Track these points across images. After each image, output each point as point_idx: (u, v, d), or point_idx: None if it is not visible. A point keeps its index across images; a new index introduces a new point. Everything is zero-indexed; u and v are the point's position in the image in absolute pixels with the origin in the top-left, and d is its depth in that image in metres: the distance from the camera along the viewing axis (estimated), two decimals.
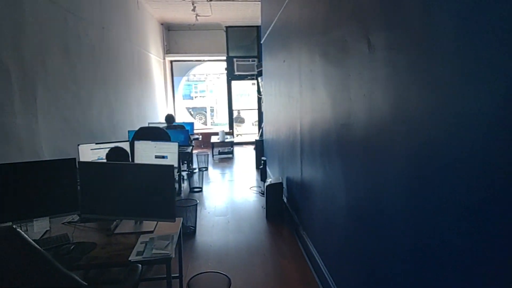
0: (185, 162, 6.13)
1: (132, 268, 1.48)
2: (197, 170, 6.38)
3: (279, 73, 4.31)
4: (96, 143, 3.35)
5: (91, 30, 4.19)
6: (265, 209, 4.01)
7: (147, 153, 3.45)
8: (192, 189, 5.08)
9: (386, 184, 1.43)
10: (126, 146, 3.48)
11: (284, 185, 3.99)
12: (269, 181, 4.06)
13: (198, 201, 3.59)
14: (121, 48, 5.40)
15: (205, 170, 6.51)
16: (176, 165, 3.44)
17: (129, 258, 1.60)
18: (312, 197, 2.75)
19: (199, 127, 10.01)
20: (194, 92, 14.03)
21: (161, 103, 8.60)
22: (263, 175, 4.78)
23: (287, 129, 3.77)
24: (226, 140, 7.80)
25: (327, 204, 2.33)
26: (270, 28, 4.87)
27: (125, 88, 5.55)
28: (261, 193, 4.83)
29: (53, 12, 3.29)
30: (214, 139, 8.00)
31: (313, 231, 2.80)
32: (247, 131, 13.05)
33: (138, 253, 1.64)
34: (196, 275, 2.26)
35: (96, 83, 4.32)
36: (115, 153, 2.48)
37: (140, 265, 1.51)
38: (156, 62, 8.08)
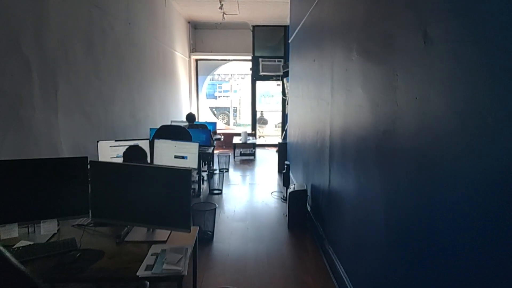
0: (206, 162, 6.00)
1: (139, 285, 1.30)
2: (217, 171, 6.24)
3: (307, 74, 4.07)
4: (116, 140, 3.25)
5: (116, 25, 4.12)
6: (287, 217, 3.77)
7: (166, 152, 3.31)
8: (211, 191, 4.93)
9: (446, 209, 1.17)
10: (146, 144, 3.37)
11: (309, 193, 3.74)
12: (292, 187, 3.82)
13: (217, 205, 3.41)
14: (147, 45, 5.34)
15: (226, 171, 6.35)
16: (195, 166, 3.28)
17: (137, 273, 1.42)
18: (342, 209, 2.49)
19: (221, 127, 9.91)
20: (218, 92, 14.00)
21: (185, 101, 8.55)
22: (285, 180, 4.55)
23: (314, 133, 3.52)
24: (248, 142, 7.62)
25: (359, 219, 2.08)
26: (299, 27, 4.63)
27: (149, 85, 5.48)
28: (283, 199, 4.60)
29: (78, 5, 3.22)
30: (236, 140, 7.84)
31: (340, 247, 2.54)
32: (270, 133, 12.87)
33: (148, 267, 1.47)
34: None
35: (120, 78, 4.25)
36: (132, 152, 2.33)
37: (147, 283, 1.34)
38: (181, 61, 8.03)
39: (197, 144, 3.30)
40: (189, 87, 8.86)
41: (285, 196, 4.61)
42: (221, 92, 14.55)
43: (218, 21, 8.57)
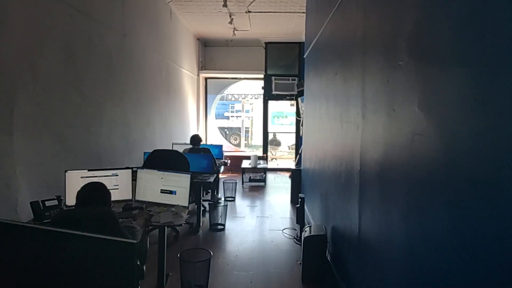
0: (208, 191, 5.35)
1: None
2: (222, 201, 5.55)
3: (326, 91, 3.42)
4: (89, 170, 2.63)
5: (108, 35, 3.62)
6: (301, 266, 3.02)
7: (151, 185, 2.67)
8: (213, 226, 4.23)
9: None
10: (132, 174, 2.74)
11: (329, 238, 3.00)
12: (307, 230, 3.09)
13: (212, 254, 2.71)
14: (146, 60, 4.84)
15: (232, 200, 5.66)
16: (185, 203, 2.62)
17: None
18: (381, 265, 1.76)
19: (230, 149, 9.29)
20: (230, 112, 13.51)
21: (192, 122, 8.02)
22: (299, 217, 3.83)
23: (336, 163, 2.82)
24: (259, 166, 6.94)
25: (414, 284, 1.34)
26: (316, 38, 4.04)
27: (148, 103, 4.95)
28: (297, 240, 3.85)
29: (53, 7, 2.71)
30: (245, 163, 7.18)
31: None
32: (283, 155, 12.18)
33: None
34: None
35: (110, 95, 3.71)
36: (88, 193, 1.70)
37: None
38: (189, 78, 7.57)
39: (189, 175, 2.64)
40: (197, 106, 8.36)
41: (298, 235, 3.87)
42: (233, 112, 14.07)
43: (228, 38, 8.14)
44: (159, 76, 5.47)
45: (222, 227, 4.23)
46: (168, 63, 5.91)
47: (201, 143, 5.08)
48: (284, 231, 4.20)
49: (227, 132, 19.31)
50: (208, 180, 4.10)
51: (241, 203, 5.60)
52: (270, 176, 7.88)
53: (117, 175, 2.69)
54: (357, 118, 2.17)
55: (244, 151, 9.82)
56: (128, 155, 4.18)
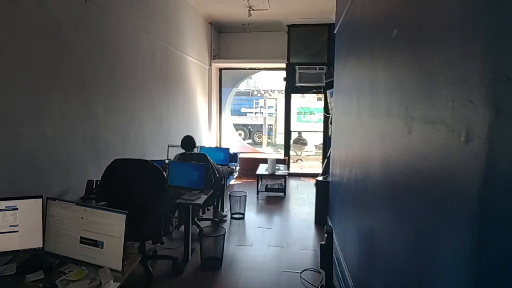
0: (206, 209, 4.27)
1: None
2: (228, 218, 4.43)
3: (373, 71, 2.15)
4: None
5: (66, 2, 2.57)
6: None
7: (67, 229, 1.57)
8: (205, 261, 3.09)
9: None
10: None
11: None
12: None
13: None
14: (129, 40, 3.78)
15: (240, 218, 4.51)
16: (118, 267, 1.49)
17: None
18: None
19: (247, 150, 8.13)
20: (254, 107, 12.32)
21: (203, 119, 6.95)
22: (325, 260, 2.61)
23: (389, 181, 1.57)
24: (278, 173, 5.73)
25: None
26: (350, 3, 2.76)
27: (132, 96, 3.90)
28: None
29: None
30: (261, 169, 6.01)
31: None
32: (310, 155, 10.88)
33: None
34: None
35: (59, 82, 2.67)
36: None
37: None
38: (198, 68, 6.48)
39: (124, 216, 1.50)
40: (208, 101, 7.27)
41: (323, 283, 2.65)
42: (254, 107, 12.90)
43: (245, 21, 6.96)
44: (151, 62, 4.40)
45: (218, 262, 3.08)
46: (165, 48, 4.84)
47: (215, 146, 3.97)
48: (304, 274, 2.98)
49: (251, 129, 18.24)
50: (196, 201, 2.95)
51: (251, 223, 4.42)
52: (292, 183, 6.65)
53: (16, 209, 1.62)
54: (457, 118, 0.91)
55: (264, 152, 8.62)
56: (95, 163, 3.14)
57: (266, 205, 5.23)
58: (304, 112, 8.58)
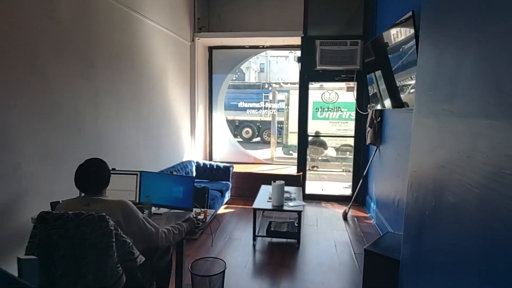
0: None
1: None
2: None
3: None
4: None
5: None
6: None
7: None
8: None
9: None
10: None
11: None
12: None
13: None
14: None
15: None
16: None
17: None
18: None
19: (248, 160, 5.94)
20: (257, 101, 10.09)
21: (182, 118, 4.85)
22: None
23: None
24: (288, 207, 3.57)
25: None
26: None
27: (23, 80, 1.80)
28: None
29: None
30: (263, 194, 3.88)
31: None
32: (330, 161, 8.71)
33: None
34: None
35: None
36: None
37: None
38: (171, 44, 4.36)
39: None
40: (191, 92, 5.14)
41: None
42: (265, 101, 10.68)
43: None
44: (46, 17, 2.30)
45: None
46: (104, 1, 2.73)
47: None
48: None
49: (260, 126, 16.09)
50: None
51: None
52: (309, 214, 4.48)
53: None
54: None
55: (269, 162, 6.43)
56: None
57: (267, 265, 3.10)
58: (328, 107, 6.30)
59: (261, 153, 11.72)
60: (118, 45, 3.14)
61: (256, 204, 3.62)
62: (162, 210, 2.44)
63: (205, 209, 2.36)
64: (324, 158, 9.14)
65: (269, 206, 3.60)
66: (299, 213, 3.47)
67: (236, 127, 15.16)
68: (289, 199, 3.77)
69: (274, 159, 9.50)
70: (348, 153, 9.51)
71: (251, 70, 24.16)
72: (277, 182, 3.57)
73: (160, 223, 2.20)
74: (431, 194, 1.39)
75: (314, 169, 9.27)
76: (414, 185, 1.62)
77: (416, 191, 1.57)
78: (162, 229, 1.89)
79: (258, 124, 15.15)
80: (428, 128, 1.48)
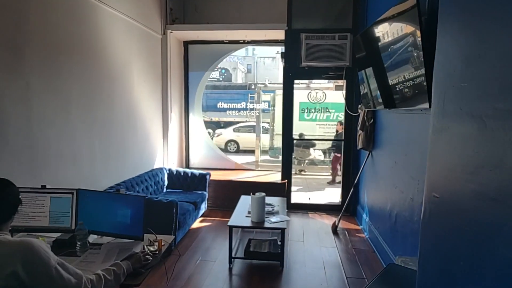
0: None
1: None
2: None
3: None
4: None
5: None
6: None
7: None
8: None
9: None
10: None
11: None
12: None
13: None
14: None
15: None
16: None
17: None
18: None
19: (229, 166, 5.42)
20: (237, 101, 9.56)
21: (153, 121, 4.31)
22: None
23: None
24: (270, 223, 3.07)
25: None
26: None
27: None
28: None
29: None
30: (242, 206, 3.37)
31: None
32: (316, 164, 8.30)
33: None
34: None
35: None
36: None
37: None
38: (139, 36, 3.81)
39: None
40: (163, 90, 4.60)
41: None
42: (251, 102, 10.26)
43: None
44: None
45: None
46: None
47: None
48: None
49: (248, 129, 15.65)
50: None
51: None
52: (294, 227, 4.00)
53: None
54: None
55: (251, 168, 5.91)
56: None
57: None
58: (315, 108, 5.84)
59: (246, 157, 11.21)
60: (63, 32, 2.59)
61: (233, 221, 3.11)
62: (106, 239, 1.91)
63: (160, 239, 1.84)
64: (310, 160, 8.70)
65: (247, 222, 3.10)
66: (283, 231, 2.98)
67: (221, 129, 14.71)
68: (271, 213, 3.28)
69: (260, 162, 9.02)
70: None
71: (238, 71, 23.65)
72: (257, 194, 3.08)
73: (96, 259, 1.67)
74: (472, 237, 0.92)
75: (301, 173, 8.83)
76: (435, 216, 1.15)
77: (441, 226, 1.11)
78: (90, 275, 1.36)
79: (243, 126, 14.70)
80: (460, 136, 1.01)
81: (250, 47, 31.49)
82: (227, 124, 15.07)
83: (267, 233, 3.62)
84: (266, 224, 3.03)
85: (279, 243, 3.11)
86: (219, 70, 20.65)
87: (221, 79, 21.18)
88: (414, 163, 2.47)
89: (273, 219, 3.12)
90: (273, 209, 3.37)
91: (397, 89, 2.49)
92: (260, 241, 3.21)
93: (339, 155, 6.68)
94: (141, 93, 3.96)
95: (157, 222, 2.79)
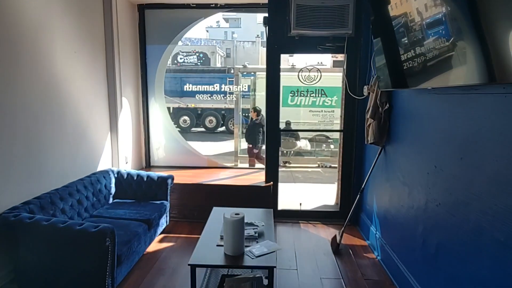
0: None
1: None
2: None
3: None
4: None
5: None
6: None
7: None
8: None
9: None
10: None
11: None
12: None
13: None
14: None
15: None
16: None
17: None
18: None
19: (201, 163, 4.37)
20: (213, 84, 8.36)
21: (93, 108, 3.21)
22: None
23: None
24: (250, 258, 2.10)
25: None
26: None
27: None
28: None
29: None
30: (208, 242, 2.38)
31: None
32: (302, 155, 7.43)
33: None
34: None
35: None
36: None
37: None
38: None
39: None
40: (108, 69, 3.47)
41: None
42: (230, 86, 9.07)
43: None
44: None
45: None
46: None
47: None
48: None
49: (225, 114, 14.78)
50: None
51: None
52: (284, 239, 3.07)
53: None
54: None
55: (228, 166, 4.89)
56: None
57: None
58: (307, 91, 4.83)
59: (226, 145, 10.20)
60: None
61: (198, 253, 2.12)
62: None
63: None
64: (296, 151, 7.79)
65: (219, 256, 2.12)
66: (271, 270, 2.02)
67: (198, 116, 13.59)
68: (253, 238, 2.32)
69: (239, 153, 8.01)
70: (324, 145, 8.24)
71: (216, 55, 22.35)
72: (232, 216, 2.09)
73: None
74: None
75: (287, 165, 7.92)
76: None
77: None
78: None
79: (223, 112, 13.63)
80: None
81: (229, 30, 29.91)
82: (204, 111, 13.94)
83: (246, 273, 2.66)
84: (246, 260, 2.06)
85: (265, 283, 2.16)
86: (197, 54, 19.17)
87: (199, 63, 19.79)
88: (479, 172, 1.55)
89: (256, 249, 2.15)
90: (255, 231, 2.40)
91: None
92: (238, 281, 2.24)
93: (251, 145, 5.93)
94: (71, 68, 2.84)
95: (83, 262, 1.87)
